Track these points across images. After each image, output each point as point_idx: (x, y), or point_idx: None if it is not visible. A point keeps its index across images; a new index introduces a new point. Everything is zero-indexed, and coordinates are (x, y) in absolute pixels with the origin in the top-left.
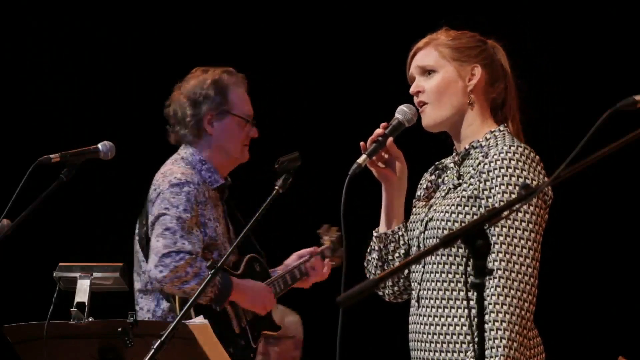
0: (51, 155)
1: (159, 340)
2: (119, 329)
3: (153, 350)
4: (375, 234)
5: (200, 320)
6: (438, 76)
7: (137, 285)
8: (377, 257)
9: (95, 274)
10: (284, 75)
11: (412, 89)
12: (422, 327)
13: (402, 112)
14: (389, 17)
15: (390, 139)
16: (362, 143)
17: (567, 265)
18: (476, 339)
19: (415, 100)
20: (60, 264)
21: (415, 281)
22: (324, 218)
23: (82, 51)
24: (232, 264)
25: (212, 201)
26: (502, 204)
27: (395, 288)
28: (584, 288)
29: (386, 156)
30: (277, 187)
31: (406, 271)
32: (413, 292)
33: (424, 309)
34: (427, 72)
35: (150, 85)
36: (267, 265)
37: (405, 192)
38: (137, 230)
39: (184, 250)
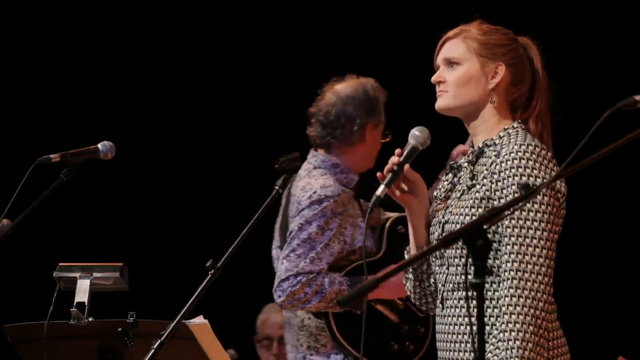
0: (51, 155)
1: (159, 340)
2: (119, 329)
3: (153, 350)
4: (406, 256)
5: (200, 320)
6: (461, 69)
7: None
8: (413, 277)
9: (95, 274)
10: (285, 75)
11: (434, 78)
12: (446, 327)
13: (414, 136)
14: (394, 19)
15: (407, 165)
16: (379, 173)
17: (567, 266)
18: (476, 340)
19: (437, 89)
20: (60, 264)
21: (440, 282)
22: None
23: (82, 51)
24: None
25: (350, 205)
26: None
27: (431, 305)
28: (584, 288)
29: (404, 185)
30: (277, 187)
31: (432, 280)
32: (438, 294)
33: (447, 310)
34: (452, 64)
35: (150, 85)
36: None
37: (428, 212)
38: (279, 243)
39: (303, 272)
